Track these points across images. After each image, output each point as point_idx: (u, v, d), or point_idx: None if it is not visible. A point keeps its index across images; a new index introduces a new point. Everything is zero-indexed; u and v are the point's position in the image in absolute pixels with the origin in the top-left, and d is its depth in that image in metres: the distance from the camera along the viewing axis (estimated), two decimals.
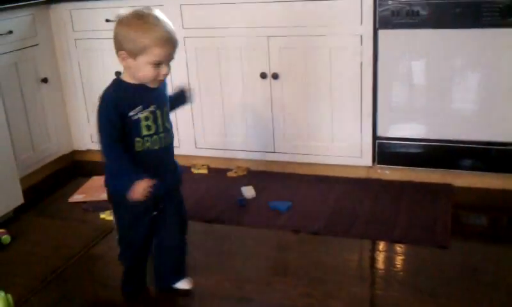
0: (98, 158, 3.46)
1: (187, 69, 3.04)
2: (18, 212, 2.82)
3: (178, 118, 3.15)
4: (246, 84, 2.98)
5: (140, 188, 1.77)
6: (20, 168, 2.90)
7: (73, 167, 3.50)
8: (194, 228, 2.57)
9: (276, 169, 3.09)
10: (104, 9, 3.14)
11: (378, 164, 2.89)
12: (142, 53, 1.71)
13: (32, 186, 3.16)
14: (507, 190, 2.72)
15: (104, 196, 2.92)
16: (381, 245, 2.36)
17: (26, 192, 2.91)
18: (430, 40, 2.60)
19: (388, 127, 2.80)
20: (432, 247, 2.30)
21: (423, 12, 2.56)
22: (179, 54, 3.04)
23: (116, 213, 2.01)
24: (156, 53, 1.71)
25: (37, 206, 2.95)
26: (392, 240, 2.37)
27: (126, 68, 1.79)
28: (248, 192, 2.83)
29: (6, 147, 2.73)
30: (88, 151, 3.51)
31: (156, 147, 1.84)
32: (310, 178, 3.01)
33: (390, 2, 2.60)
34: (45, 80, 3.22)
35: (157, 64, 1.74)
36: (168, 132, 1.89)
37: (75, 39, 3.28)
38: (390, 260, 2.27)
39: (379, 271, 2.22)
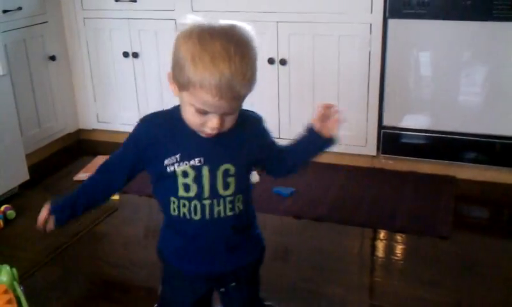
0: (104, 138, 3.51)
1: None
2: (23, 188, 2.85)
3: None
4: None
5: (41, 214, 1.31)
6: (26, 144, 2.92)
7: (78, 146, 3.52)
8: None
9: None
10: None
11: (382, 153, 2.89)
12: (185, 88, 1.16)
13: (37, 163, 3.18)
14: (510, 184, 2.72)
15: None
16: (382, 234, 2.38)
17: (32, 169, 2.93)
18: (439, 31, 2.60)
19: (393, 117, 2.80)
20: (433, 237, 2.31)
21: (433, 3, 2.55)
22: None
23: (161, 281, 1.48)
24: (201, 98, 1.13)
25: (42, 183, 2.98)
26: (393, 229, 2.38)
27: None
28: (252, 177, 2.83)
29: (12, 123, 2.75)
30: (94, 130, 3.53)
31: (196, 217, 1.27)
32: (314, 164, 3.00)
33: None
34: (53, 58, 3.23)
35: (203, 112, 1.17)
36: (219, 199, 1.27)
37: (84, 18, 3.28)
38: (390, 249, 2.28)
39: (380, 259, 2.23)
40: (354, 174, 2.91)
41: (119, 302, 2.03)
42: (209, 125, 1.17)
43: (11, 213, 2.56)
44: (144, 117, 1.31)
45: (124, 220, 2.59)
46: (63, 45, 3.33)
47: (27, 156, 2.91)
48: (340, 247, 2.29)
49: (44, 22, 3.16)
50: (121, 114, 3.39)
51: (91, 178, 1.36)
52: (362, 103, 2.83)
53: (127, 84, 3.30)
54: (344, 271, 2.13)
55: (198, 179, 1.24)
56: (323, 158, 3.00)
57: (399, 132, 2.81)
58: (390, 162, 2.93)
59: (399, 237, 2.34)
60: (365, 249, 2.34)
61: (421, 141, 2.79)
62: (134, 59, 3.22)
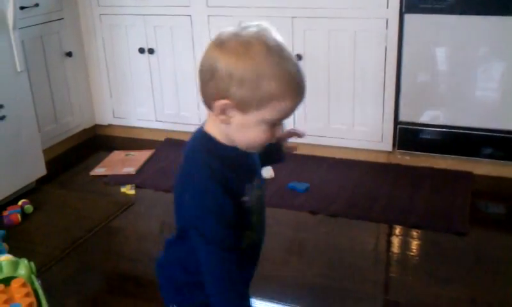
0: (119, 133, 3.53)
1: None
2: (40, 182, 2.87)
3: (198, 95, 3.17)
4: None
5: None
6: (43, 140, 2.95)
7: (94, 141, 3.54)
8: None
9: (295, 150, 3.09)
10: None
11: (398, 149, 2.88)
12: (262, 106, 1.02)
13: (54, 158, 3.21)
14: None
15: (125, 170, 2.98)
16: (398, 230, 2.36)
17: (48, 164, 2.96)
18: (456, 26, 2.58)
19: (410, 113, 2.79)
20: (450, 233, 2.30)
21: None
22: (203, 32, 3.07)
23: None
24: (284, 107, 1.04)
25: (59, 178, 3.00)
26: (409, 225, 2.37)
27: (222, 124, 1.07)
28: (267, 172, 2.84)
29: (30, 118, 2.77)
30: (110, 126, 3.55)
31: (261, 236, 1.23)
32: (330, 160, 3.01)
33: None
34: (69, 54, 3.25)
35: (275, 124, 1.07)
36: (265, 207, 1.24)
37: (100, 14, 3.30)
38: (406, 245, 2.27)
39: (395, 255, 2.23)
40: (370, 170, 2.89)
41: (134, 296, 2.04)
42: (276, 135, 1.09)
43: (29, 208, 2.59)
44: (203, 167, 1.07)
45: (140, 215, 2.61)
46: (79, 42, 3.36)
47: (44, 151, 2.94)
48: (356, 242, 2.28)
49: (60, 19, 3.18)
50: (137, 110, 3.41)
51: (236, 277, 1.10)
52: (378, 99, 2.81)
53: (142, 79, 3.32)
54: (359, 266, 2.12)
55: (260, 197, 1.17)
56: (339, 154, 3.01)
57: (415, 127, 2.79)
58: (406, 157, 2.92)
59: (414, 233, 2.33)
60: (381, 244, 2.33)
61: (437, 137, 2.76)
62: (150, 55, 3.24)
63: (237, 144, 1.09)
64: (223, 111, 1.04)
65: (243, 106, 1.02)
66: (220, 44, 1.03)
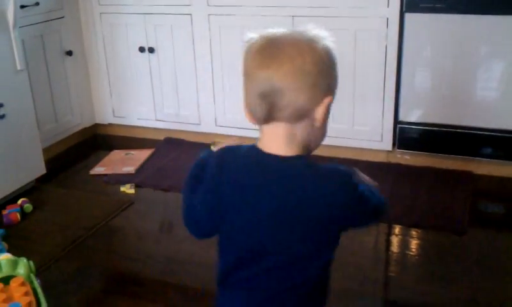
0: (119, 132, 3.53)
1: (211, 47, 3.05)
2: (40, 181, 2.87)
3: (200, 95, 3.17)
4: None
5: None
6: (43, 139, 2.95)
7: (94, 140, 3.54)
8: None
9: None
10: None
11: (398, 148, 2.87)
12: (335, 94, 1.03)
13: (54, 157, 3.20)
14: None
15: (125, 169, 2.98)
16: (398, 229, 2.36)
17: (48, 163, 2.96)
18: (457, 26, 2.57)
19: (410, 112, 2.78)
20: (450, 233, 2.29)
21: None
22: (203, 31, 3.07)
23: None
24: None
25: (59, 177, 3.00)
26: (409, 225, 2.37)
27: (318, 126, 1.01)
28: None
29: (30, 117, 2.77)
30: (110, 125, 3.55)
31: None
32: (329, 160, 3.01)
33: None
34: (69, 53, 3.25)
35: None
36: None
37: (101, 13, 3.30)
38: (406, 244, 2.27)
39: (395, 254, 2.22)
40: (369, 169, 2.84)
41: (134, 295, 2.04)
42: None
43: (28, 207, 2.59)
44: (332, 167, 1.09)
45: (139, 214, 2.61)
46: (79, 40, 3.35)
47: (44, 150, 2.93)
48: (355, 241, 2.28)
49: (61, 17, 3.18)
50: (137, 109, 3.40)
51: None
52: (378, 98, 2.81)
53: (142, 78, 3.31)
54: (358, 266, 2.12)
55: None
56: (338, 153, 3.01)
57: (415, 127, 2.79)
58: (406, 157, 2.91)
59: (414, 232, 2.33)
60: (380, 244, 2.33)
61: (437, 136, 2.76)
62: (150, 54, 3.23)
63: (311, 147, 1.05)
64: (325, 110, 0.98)
65: (333, 98, 0.99)
66: (311, 40, 1.01)
